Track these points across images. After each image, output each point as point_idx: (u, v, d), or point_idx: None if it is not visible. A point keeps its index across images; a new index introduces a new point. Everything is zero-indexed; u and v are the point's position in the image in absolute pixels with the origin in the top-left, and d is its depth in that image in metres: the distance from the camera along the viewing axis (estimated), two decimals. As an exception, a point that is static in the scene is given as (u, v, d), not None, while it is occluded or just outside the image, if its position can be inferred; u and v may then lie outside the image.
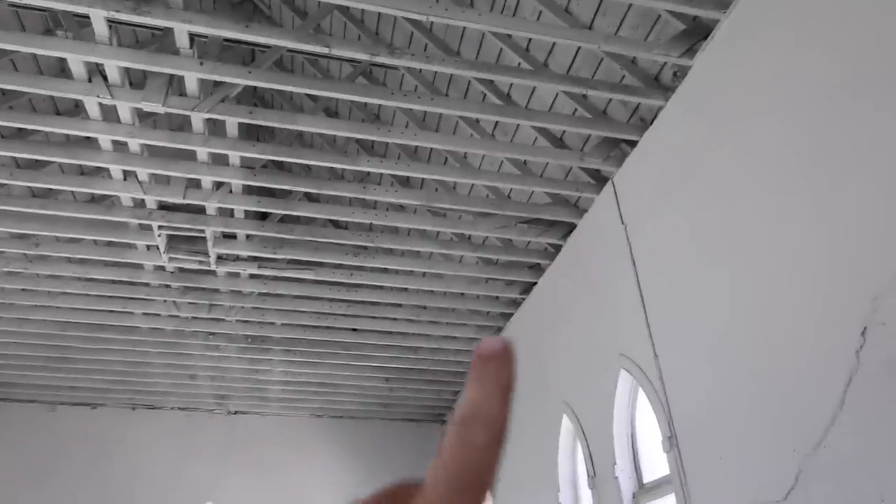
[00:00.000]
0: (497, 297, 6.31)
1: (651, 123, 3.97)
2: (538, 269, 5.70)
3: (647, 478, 3.88)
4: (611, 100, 4.24)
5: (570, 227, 5.04)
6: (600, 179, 4.60)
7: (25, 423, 8.12)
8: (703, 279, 3.29)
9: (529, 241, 5.47)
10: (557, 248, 5.30)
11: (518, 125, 4.92)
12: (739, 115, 3.13)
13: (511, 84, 4.75)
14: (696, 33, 3.51)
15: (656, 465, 3.80)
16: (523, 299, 6.09)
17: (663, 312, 3.64)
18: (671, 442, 3.33)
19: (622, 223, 4.16)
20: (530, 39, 4.39)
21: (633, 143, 4.18)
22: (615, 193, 4.30)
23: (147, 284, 5.87)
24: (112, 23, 3.49)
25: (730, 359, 3.02)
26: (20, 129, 4.92)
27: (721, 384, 3.06)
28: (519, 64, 4.44)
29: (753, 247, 2.94)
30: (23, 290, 5.97)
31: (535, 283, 5.79)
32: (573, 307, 4.87)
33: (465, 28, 4.70)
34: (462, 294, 6.35)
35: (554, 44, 4.32)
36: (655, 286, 3.75)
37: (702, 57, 3.48)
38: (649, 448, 3.92)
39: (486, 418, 0.31)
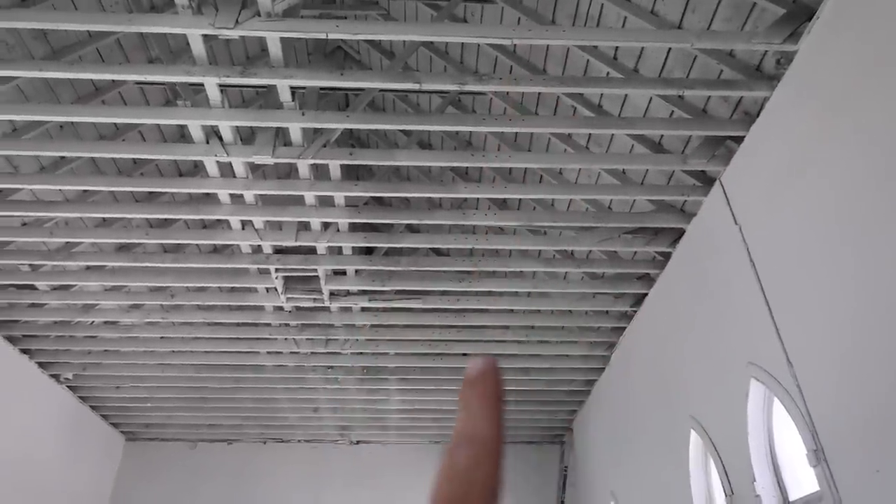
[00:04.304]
0: (607, 312, 6.14)
1: (757, 116, 3.76)
2: (648, 280, 5.50)
3: (794, 495, 3.58)
4: (710, 97, 4.07)
5: (679, 233, 4.84)
6: (707, 181, 4.39)
7: (172, 459, 8.81)
8: (835, 276, 3.04)
9: (636, 252, 5.31)
10: (667, 255, 5.10)
11: (612, 135, 4.82)
12: (857, 96, 2.90)
13: (601, 94, 4.68)
14: (798, 16, 3.30)
15: (802, 481, 3.51)
16: (635, 312, 5.89)
17: (793, 315, 3.38)
18: (817, 455, 3.06)
19: (736, 224, 3.94)
20: (617, 47, 4.32)
21: (739, 140, 3.97)
22: (725, 194, 4.09)
23: (269, 325, 6.24)
24: (223, 87, 3.80)
25: (877, 360, 2.75)
26: (150, 193, 5.44)
27: (869, 388, 2.79)
28: (608, 73, 4.37)
29: (890, 235, 2.69)
30: (161, 338, 6.53)
31: (646, 295, 5.59)
32: (691, 316, 4.64)
33: (548, 45, 4.70)
34: (570, 311, 6.24)
35: (643, 48, 4.22)
36: (781, 288, 3.50)
37: (808, 40, 3.26)
38: (793, 463, 3.62)
39: (470, 439, 0.31)
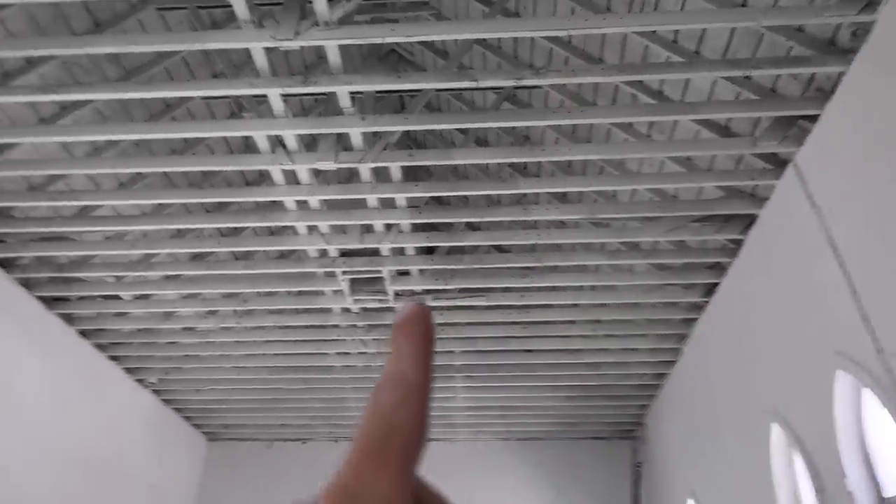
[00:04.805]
0: (676, 304, 5.97)
1: (832, 93, 3.56)
2: (719, 269, 5.30)
3: (892, 491, 3.38)
4: (779, 76, 3.88)
5: (751, 220, 4.65)
6: (779, 163, 4.20)
7: (250, 458, 9.15)
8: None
9: (705, 240, 5.13)
10: (739, 243, 4.90)
11: (676, 121, 4.67)
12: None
13: (662, 80, 4.54)
14: (875, -17, 3.11)
15: (900, 476, 3.31)
16: (706, 302, 5.69)
17: (883, 300, 3.19)
18: (916, 449, 2.88)
19: (813, 207, 3.75)
20: (678, 31, 4.18)
21: (812, 118, 3.77)
22: (799, 176, 3.90)
23: (336, 326, 6.38)
24: (285, 97, 3.91)
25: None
26: (220, 203, 5.65)
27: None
28: (668, 58, 4.23)
29: None
30: (236, 342, 6.78)
31: (718, 284, 5.40)
32: (769, 305, 4.45)
33: (604, 33, 4.60)
34: (637, 304, 6.09)
35: (704, 30, 4.07)
36: (867, 272, 3.31)
37: (886, 9, 3.07)
38: (889, 458, 3.42)
39: (395, 380, 0.30)
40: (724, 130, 4.37)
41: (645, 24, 3.46)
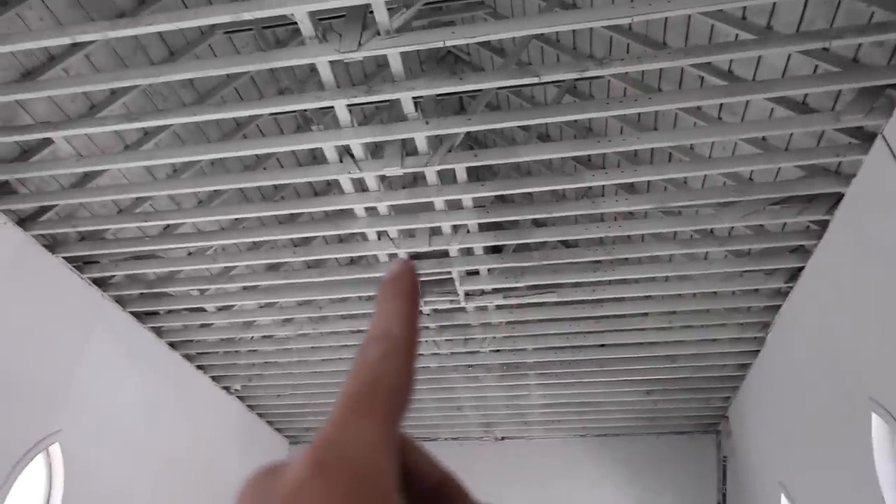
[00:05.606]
0: (757, 290, 5.73)
1: (923, 58, 3.34)
2: (803, 252, 5.05)
3: None
4: (861, 44, 3.67)
5: (836, 198, 4.41)
6: (865, 137, 3.96)
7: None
8: None
9: (786, 223, 4.91)
10: (823, 224, 4.66)
11: (747, 101, 4.49)
12: None
13: (731, 60, 4.37)
14: (967, -64, 2.90)
15: None
16: (790, 288, 5.44)
17: None
18: None
19: (907, 181, 3.53)
20: (745, 6, 4.02)
21: (901, 87, 3.55)
22: (890, 149, 3.67)
23: (409, 329, 6.46)
24: (349, 107, 4.00)
25: None
26: (291, 214, 5.84)
27: None
28: (737, 36, 4.07)
29: None
30: (312, 347, 6.98)
31: (803, 268, 5.14)
32: (862, 286, 4.21)
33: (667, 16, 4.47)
34: (714, 293, 5.89)
35: (775, 3, 3.89)
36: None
37: (981, -38, 2.85)
38: None
39: (380, 335, 0.30)
40: (802, 107, 4.17)
41: (712, 2, 3.34)
